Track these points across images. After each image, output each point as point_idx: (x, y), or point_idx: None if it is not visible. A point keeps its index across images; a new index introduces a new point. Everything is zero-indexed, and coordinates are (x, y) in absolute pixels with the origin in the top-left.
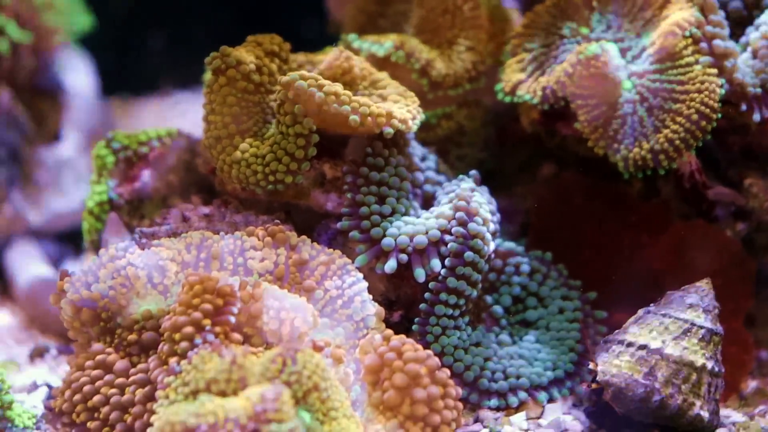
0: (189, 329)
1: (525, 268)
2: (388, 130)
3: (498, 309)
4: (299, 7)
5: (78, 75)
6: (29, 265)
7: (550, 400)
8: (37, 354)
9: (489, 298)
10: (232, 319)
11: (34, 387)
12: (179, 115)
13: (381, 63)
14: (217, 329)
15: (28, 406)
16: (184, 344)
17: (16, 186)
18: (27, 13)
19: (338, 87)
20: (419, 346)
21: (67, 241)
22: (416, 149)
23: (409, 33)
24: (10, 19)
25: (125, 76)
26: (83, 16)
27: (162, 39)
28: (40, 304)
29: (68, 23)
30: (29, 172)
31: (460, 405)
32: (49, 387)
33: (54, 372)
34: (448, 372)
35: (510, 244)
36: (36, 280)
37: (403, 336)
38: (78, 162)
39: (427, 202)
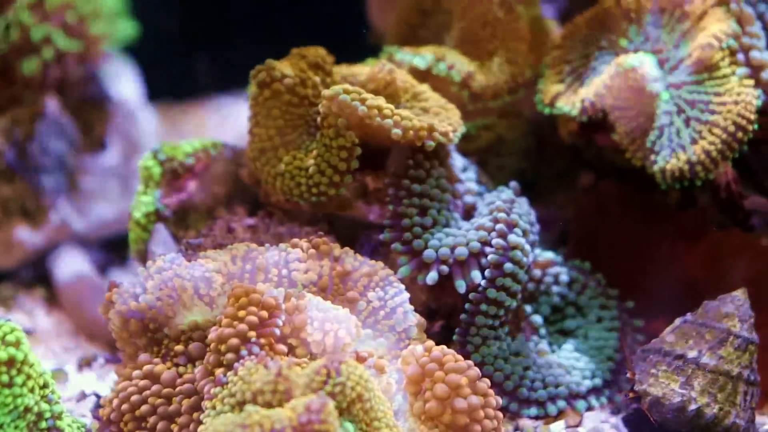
0: (235, 341)
1: (564, 278)
2: (430, 143)
3: (537, 318)
4: (340, 16)
5: (123, 83)
6: (76, 273)
7: (589, 408)
8: (86, 363)
9: (528, 308)
10: (277, 331)
11: (83, 396)
12: (220, 121)
13: (422, 75)
14: (263, 341)
15: (77, 415)
16: (230, 355)
17: (63, 194)
18: (74, 23)
19: (381, 101)
20: (460, 357)
21: (112, 248)
22: (457, 160)
23: (450, 44)
24: (57, 29)
25: (166, 81)
26: (129, 24)
27: (203, 45)
28: (87, 313)
29: (114, 32)
30: (75, 180)
31: (500, 415)
32: (98, 396)
33: (102, 380)
34: (488, 382)
35: (549, 254)
36: (82, 288)
37: (444, 346)
38: (123, 170)
39: (468, 212)
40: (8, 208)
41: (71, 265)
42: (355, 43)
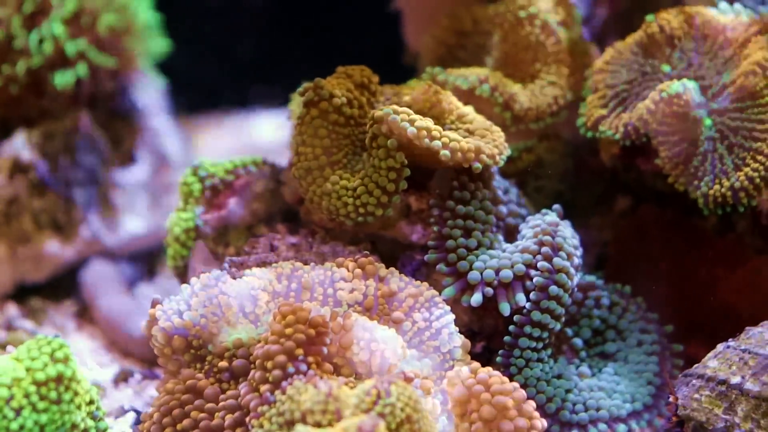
0: (282, 358)
1: (605, 301)
2: (477, 165)
3: (578, 341)
4: (374, 35)
5: (152, 97)
6: (107, 287)
7: (629, 431)
8: (122, 378)
9: (569, 331)
10: (325, 350)
11: (122, 412)
12: (234, 136)
13: (464, 96)
14: (310, 359)
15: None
16: (276, 372)
17: (94, 208)
18: (108, 38)
19: (429, 122)
20: (506, 379)
21: (140, 262)
22: (499, 182)
23: (490, 66)
24: (92, 45)
25: (181, 95)
26: (160, 40)
27: (224, 61)
28: (119, 328)
29: (147, 48)
30: (106, 194)
31: None
32: (137, 412)
33: (139, 396)
34: (534, 404)
35: (591, 278)
36: (114, 303)
37: (490, 368)
38: (151, 184)
39: (510, 234)
40: (39, 221)
41: (102, 280)
42: (388, 63)
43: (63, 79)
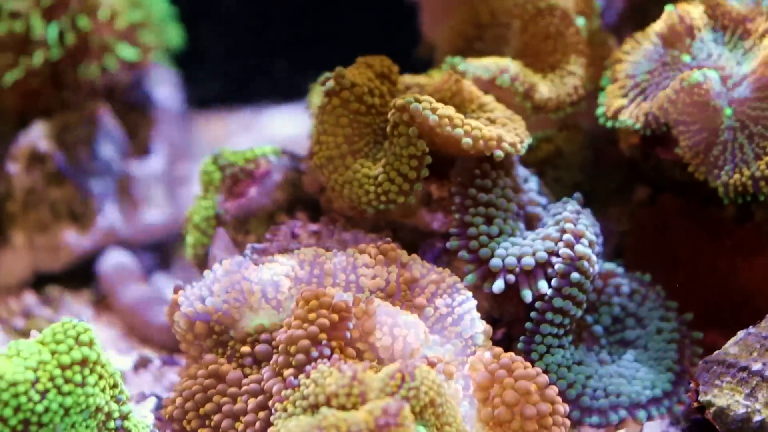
0: (305, 342)
1: (625, 289)
2: (499, 153)
3: (598, 328)
4: (389, 26)
5: (166, 89)
6: (126, 277)
7: (649, 418)
8: (141, 364)
9: (589, 318)
10: (348, 335)
11: (143, 397)
12: (243, 131)
13: (485, 85)
14: (333, 344)
15: (138, 416)
16: (300, 357)
17: (110, 198)
18: (125, 31)
19: (451, 110)
20: (528, 364)
21: (156, 252)
22: (520, 171)
23: (508, 56)
24: (116, 38)
25: (199, 87)
26: (176, 32)
27: (237, 53)
28: (138, 316)
29: (162, 40)
30: (122, 185)
31: (568, 422)
32: (158, 398)
33: (158, 382)
34: (556, 389)
35: (611, 265)
36: (134, 291)
37: (512, 353)
38: (167, 175)
39: (530, 222)
40: (56, 211)
41: (121, 268)
42: (403, 54)
43: (91, 72)
